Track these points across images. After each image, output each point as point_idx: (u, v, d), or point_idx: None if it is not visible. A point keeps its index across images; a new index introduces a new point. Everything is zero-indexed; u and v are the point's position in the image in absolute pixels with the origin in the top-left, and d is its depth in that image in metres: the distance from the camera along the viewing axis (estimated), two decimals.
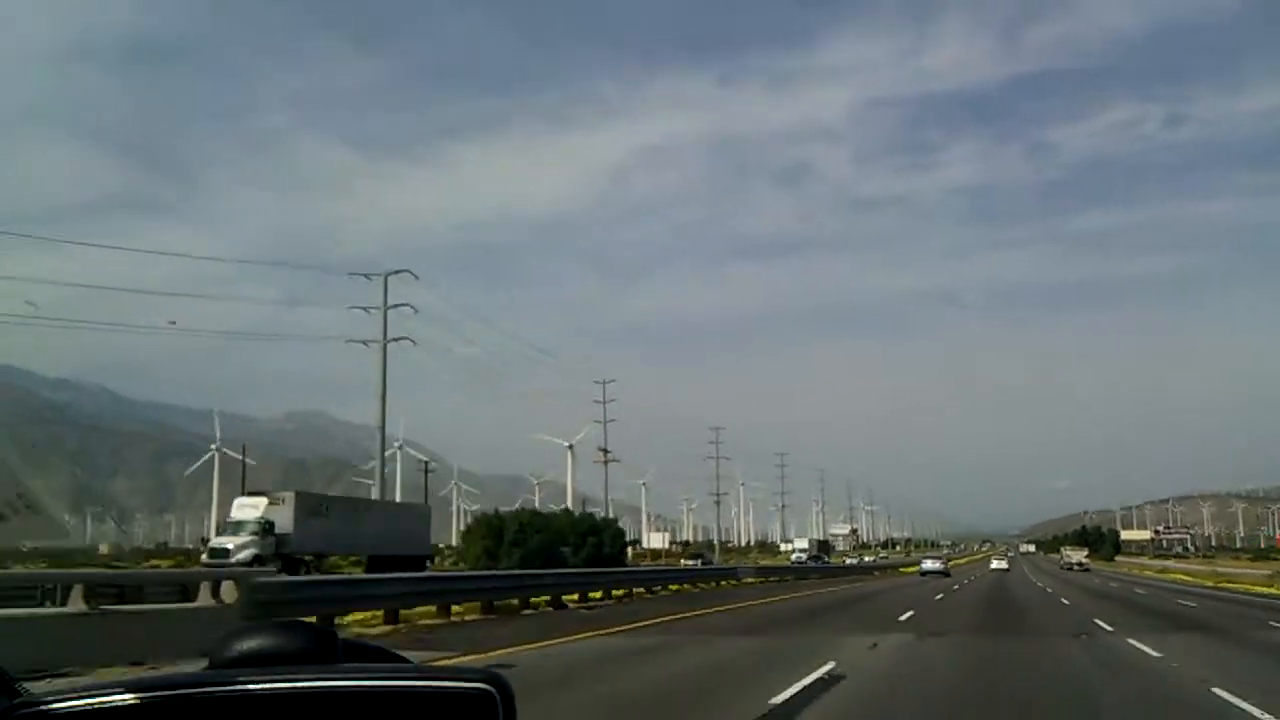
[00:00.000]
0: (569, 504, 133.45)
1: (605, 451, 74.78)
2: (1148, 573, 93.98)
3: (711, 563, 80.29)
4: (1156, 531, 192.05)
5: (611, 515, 78.12)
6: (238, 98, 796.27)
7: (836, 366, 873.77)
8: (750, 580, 55.45)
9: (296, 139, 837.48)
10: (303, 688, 1.59)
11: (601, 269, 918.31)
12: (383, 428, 50.28)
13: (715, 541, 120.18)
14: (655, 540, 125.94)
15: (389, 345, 49.03)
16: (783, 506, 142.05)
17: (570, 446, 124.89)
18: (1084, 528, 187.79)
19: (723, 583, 50.68)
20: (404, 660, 1.88)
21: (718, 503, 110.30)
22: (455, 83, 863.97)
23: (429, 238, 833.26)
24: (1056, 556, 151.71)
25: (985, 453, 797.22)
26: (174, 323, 55.98)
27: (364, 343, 49.70)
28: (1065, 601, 37.44)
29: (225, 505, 54.78)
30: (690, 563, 79.71)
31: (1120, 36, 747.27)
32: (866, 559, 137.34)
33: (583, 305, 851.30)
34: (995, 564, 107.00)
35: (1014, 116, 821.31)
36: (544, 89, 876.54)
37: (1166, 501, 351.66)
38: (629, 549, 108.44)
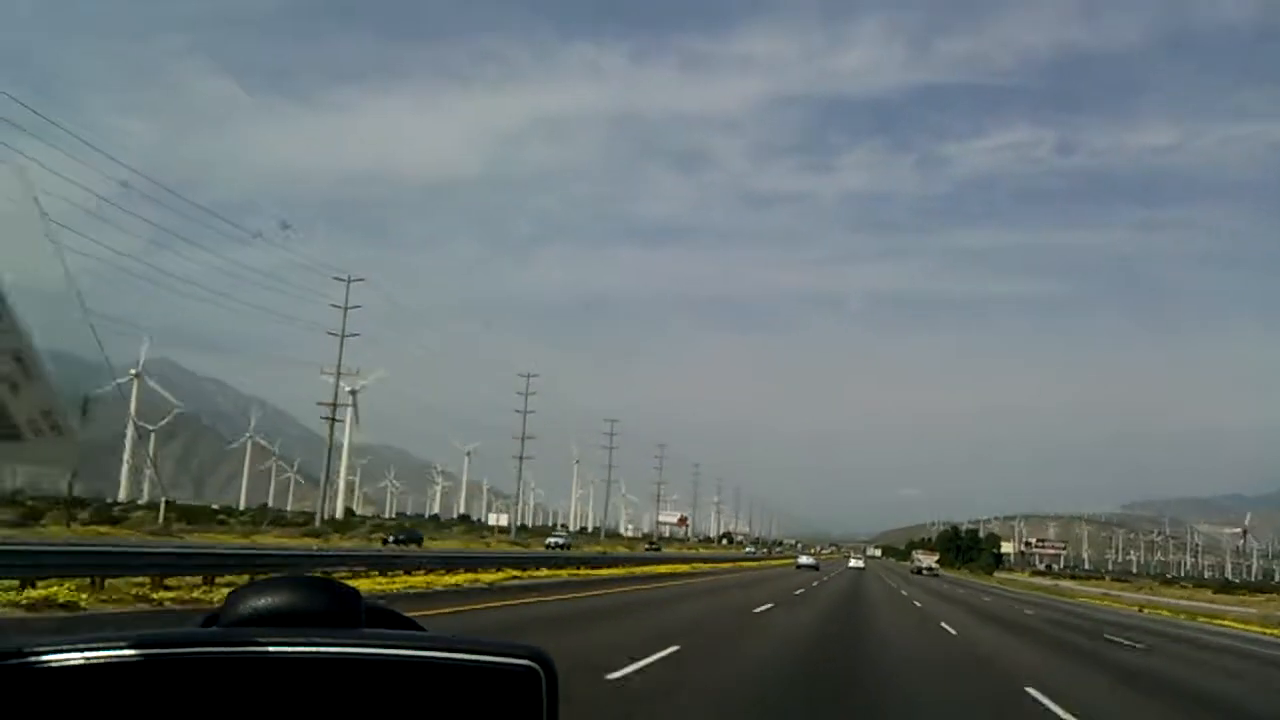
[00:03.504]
0: (345, 453, 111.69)
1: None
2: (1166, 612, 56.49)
3: (421, 538, 64.74)
4: (1028, 544, 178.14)
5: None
6: (123, 17, 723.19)
7: (708, 359, 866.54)
8: None
9: (183, 66, 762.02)
10: (327, 653, 1.44)
11: (488, 237, 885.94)
12: None
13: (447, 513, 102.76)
14: None
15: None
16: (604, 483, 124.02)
17: (353, 391, 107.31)
18: (956, 531, 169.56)
19: None
20: (421, 628, 1.69)
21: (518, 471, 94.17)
22: (356, 24, 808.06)
23: (309, 187, 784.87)
24: (907, 563, 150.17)
25: (841, 456, 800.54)
26: None
27: None
28: None
29: None
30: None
31: (1027, 56, 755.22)
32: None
33: (466, 272, 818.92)
34: (853, 563, 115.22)
35: (913, 127, 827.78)
36: (450, 43, 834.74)
37: (1013, 519, 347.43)
38: None
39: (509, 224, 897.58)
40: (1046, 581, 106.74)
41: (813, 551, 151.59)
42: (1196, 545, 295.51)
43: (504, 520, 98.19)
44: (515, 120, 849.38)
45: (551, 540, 79.97)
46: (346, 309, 62.35)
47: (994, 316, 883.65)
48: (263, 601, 1.53)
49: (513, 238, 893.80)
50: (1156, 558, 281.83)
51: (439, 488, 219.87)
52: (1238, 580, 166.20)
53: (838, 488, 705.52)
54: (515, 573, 33.63)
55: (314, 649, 1.42)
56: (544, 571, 37.15)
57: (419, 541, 61.05)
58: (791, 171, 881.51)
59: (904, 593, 49.76)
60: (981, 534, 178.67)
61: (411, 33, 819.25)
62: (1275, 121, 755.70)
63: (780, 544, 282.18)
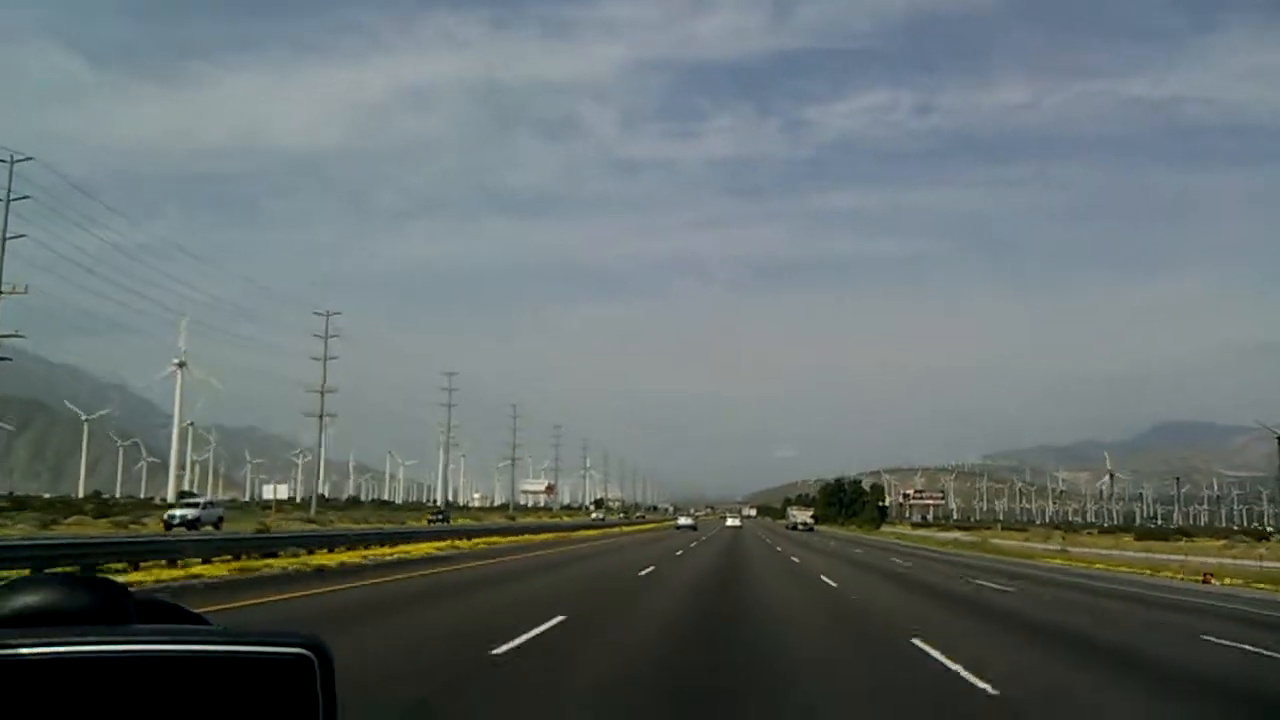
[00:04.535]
0: (175, 432, 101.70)
1: None
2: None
3: None
4: (905, 496, 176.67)
5: None
6: None
7: (580, 329, 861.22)
8: None
9: (18, 40, 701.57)
10: (91, 652, 1.35)
11: (353, 212, 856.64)
12: None
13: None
14: None
15: None
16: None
17: (181, 364, 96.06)
18: (840, 485, 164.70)
19: None
20: (204, 621, 1.64)
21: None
22: None
23: (163, 163, 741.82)
24: (784, 520, 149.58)
25: (716, 420, 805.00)
26: None
27: None
28: None
29: None
30: None
31: (884, 19, 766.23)
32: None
33: (328, 249, 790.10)
34: (730, 522, 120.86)
35: (777, 91, 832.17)
36: (304, 14, 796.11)
37: (880, 473, 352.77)
38: None
39: (374, 198, 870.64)
40: (961, 536, 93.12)
41: (689, 513, 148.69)
42: (1061, 491, 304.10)
43: (283, 491, 77.67)
44: (377, 92, 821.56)
45: (173, 515, 52.29)
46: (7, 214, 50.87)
47: (858, 277, 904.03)
48: (20, 601, 1.45)
49: (379, 211, 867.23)
50: (1021, 505, 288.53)
51: (299, 466, 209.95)
52: (1106, 524, 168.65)
53: (713, 451, 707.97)
54: None
55: (71, 649, 1.34)
56: None
57: None
58: (659, 137, 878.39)
59: (831, 582, 27.96)
60: (866, 487, 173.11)
61: (267, 4, 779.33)
62: (1125, 78, 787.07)
63: (655, 508, 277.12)
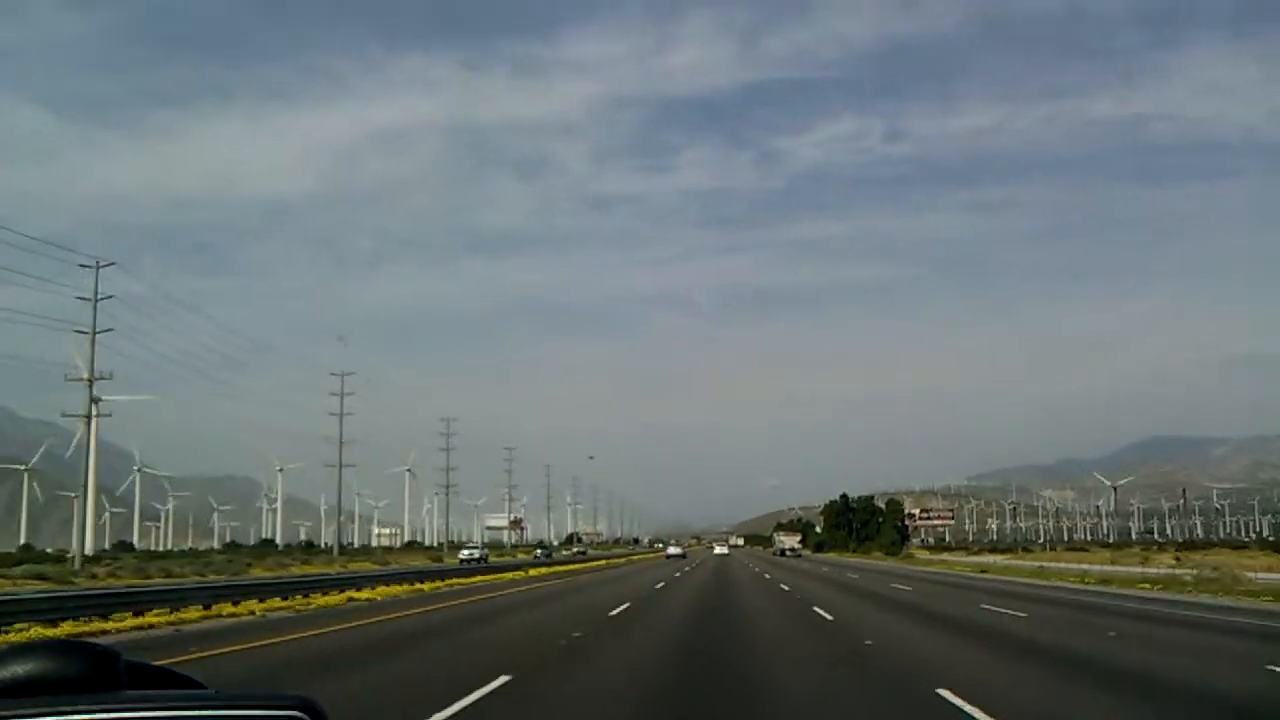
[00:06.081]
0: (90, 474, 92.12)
1: None
2: None
3: None
4: (910, 516, 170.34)
5: None
6: None
7: (559, 364, 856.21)
8: None
9: None
10: None
11: (328, 257, 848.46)
12: None
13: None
14: None
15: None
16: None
17: (95, 400, 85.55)
18: (846, 502, 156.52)
19: None
20: (197, 685, 1.64)
21: None
22: (172, 47, 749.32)
23: (135, 214, 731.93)
24: (772, 547, 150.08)
25: (699, 451, 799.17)
26: None
27: None
28: None
29: None
30: None
31: (851, 48, 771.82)
32: None
33: (304, 295, 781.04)
34: (718, 550, 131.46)
35: (747, 123, 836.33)
36: (272, 61, 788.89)
37: (871, 497, 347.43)
38: None
39: (349, 242, 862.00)
40: (1066, 565, 65.04)
41: (675, 543, 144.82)
42: (1057, 509, 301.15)
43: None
44: (348, 136, 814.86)
45: None
46: None
47: (836, 304, 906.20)
48: (10, 670, 1.41)
49: (354, 255, 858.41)
50: (1013, 524, 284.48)
51: (264, 512, 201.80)
52: (1112, 539, 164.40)
53: (697, 482, 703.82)
54: None
55: (66, 718, 1.32)
56: None
57: None
58: (632, 172, 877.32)
59: None
60: (881, 504, 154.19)
61: (235, 53, 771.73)
62: (1090, 98, 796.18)
63: (637, 540, 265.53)
